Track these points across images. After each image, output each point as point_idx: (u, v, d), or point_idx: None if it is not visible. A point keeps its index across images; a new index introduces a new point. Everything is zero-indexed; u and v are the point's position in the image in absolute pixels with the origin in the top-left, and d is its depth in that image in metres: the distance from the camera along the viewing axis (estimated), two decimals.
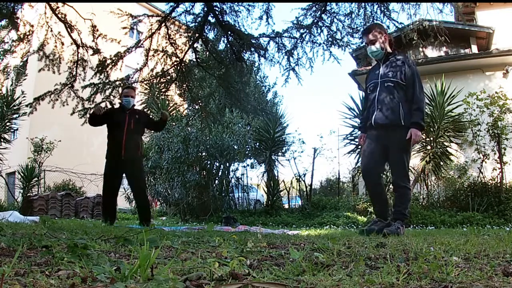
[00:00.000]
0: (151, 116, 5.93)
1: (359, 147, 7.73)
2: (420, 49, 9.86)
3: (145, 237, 1.55)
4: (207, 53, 5.94)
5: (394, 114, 3.20)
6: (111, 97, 5.60)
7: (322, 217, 7.88)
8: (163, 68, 5.78)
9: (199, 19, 5.26)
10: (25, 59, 5.89)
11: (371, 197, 3.49)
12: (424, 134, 7.51)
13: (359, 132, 3.67)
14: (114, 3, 5.99)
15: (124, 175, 4.76)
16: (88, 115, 4.88)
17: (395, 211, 3.30)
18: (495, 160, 6.84)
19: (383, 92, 3.27)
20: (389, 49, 3.37)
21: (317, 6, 4.99)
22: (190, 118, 8.52)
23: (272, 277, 1.06)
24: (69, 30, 5.53)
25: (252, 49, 5.47)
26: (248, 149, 9.28)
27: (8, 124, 8.36)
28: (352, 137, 7.85)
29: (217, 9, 5.10)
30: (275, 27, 5.41)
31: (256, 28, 15.18)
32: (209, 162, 8.80)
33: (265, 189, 9.39)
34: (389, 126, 3.24)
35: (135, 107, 4.95)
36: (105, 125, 4.76)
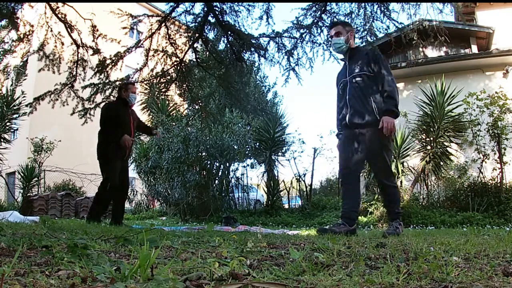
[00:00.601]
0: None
1: None
2: (420, 49, 9.87)
3: (145, 237, 1.55)
4: (207, 53, 5.94)
5: (367, 111, 3.08)
6: (111, 97, 5.60)
7: (322, 217, 7.88)
8: (163, 68, 5.77)
9: (199, 19, 5.26)
10: (25, 59, 5.88)
11: (345, 196, 3.28)
12: (424, 134, 7.51)
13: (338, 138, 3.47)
14: (114, 3, 5.99)
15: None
16: (106, 117, 4.47)
17: (389, 212, 3.24)
18: (495, 160, 6.84)
19: (353, 89, 3.18)
20: (353, 45, 3.32)
21: (317, 6, 4.99)
22: (190, 118, 8.53)
23: (272, 277, 1.06)
24: (69, 30, 5.53)
25: (252, 49, 5.47)
26: (248, 149, 9.28)
27: (8, 124, 8.36)
28: None
29: (217, 9, 5.10)
30: (275, 27, 5.40)
31: (256, 28, 15.19)
32: (209, 162, 8.81)
33: (265, 189, 9.40)
34: (364, 125, 3.12)
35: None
36: (105, 121, 4.52)
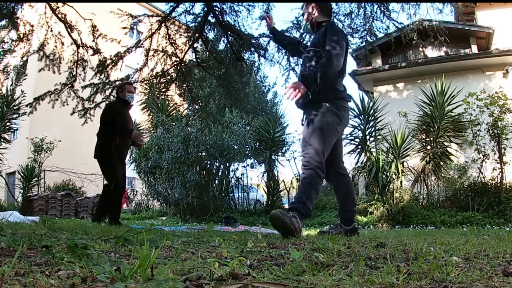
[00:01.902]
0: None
1: (359, 146, 7.73)
2: (420, 49, 9.86)
3: (145, 237, 1.55)
4: (207, 53, 5.94)
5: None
6: (111, 97, 5.61)
7: (322, 217, 7.89)
8: (163, 68, 5.78)
9: (199, 19, 5.26)
10: (25, 59, 5.88)
11: (335, 196, 3.10)
12: (424, 134, 7.51)
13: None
14: (114, 3, 5.99)
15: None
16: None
17: (294, 198, 2.78)
18: (495, 160, 6.84)
19: (302, 64, 2.95)
20: (317, 19, 3.00)
21: None
22: (190, 118, 8.53)
23: (272, 277, 1.06)
24: (69, 30, 5.53)
25: (252, 49, 5.47)
26: (248, 149, 9.29)
27: (8, 124, 8.36)
28: (352, 137, 7.85)
29: (217, 9, 5.10)
30: (275, 27, 5.40)
31: (256, 28, 15.23)
32: (209, 162, 8.81)
33: (265, 189, 9.40)
34: (301, 104, 2.88)
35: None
36: (104, 120, 4.44)
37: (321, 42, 2.79)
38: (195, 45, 5.87)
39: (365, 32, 5.02)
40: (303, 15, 3.10)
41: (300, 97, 2.75)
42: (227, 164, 9.09)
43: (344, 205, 2.97)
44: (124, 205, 11.37)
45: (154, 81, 6.05)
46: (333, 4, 4.98)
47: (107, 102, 5.57)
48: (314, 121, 2.76)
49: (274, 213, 2.54)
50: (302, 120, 2.98)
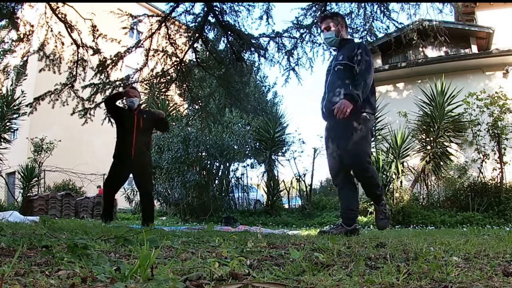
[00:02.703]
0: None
1: None
2: (420, 49, 9.86)
3: (145, 237, 1.55)
4: (207, 53, 5.94)
5: (339, 97, 2.98)
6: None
7: (322, 217, 7.90)
8: (163, 68, 5.78)
9: (199, 19, 5.27)
10: (25, 59, 5.88)
11: (339, 198, 3.27)
12: (424, 134, 7.51)
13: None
14: (114, 3, 5.99)
15: (131, 176, 4.66)
16: (108, 95, 4.56)
17: (372, 199, 3.17)
18: (495, 160, 6.84)
19: (333, 76, 3.13)
20: (345, 36, 3.23)
21: (317, 6, 4.99)
22: (190, 118, 8.52)
23: (272, 277, 1.06)
24: (69, 30, 5.53)
25: (252, 49, 5.47)
26: (248, 149, 9.29)
27: (8, 124, 8.35)
28: None
29: (217, 9, 5.10)
30: (275, 27, 5.41)
31: (256, 28, 15.22)
32: (209, 162, 8.81)
33: (265, 189, 9.40)
34: (329, 115, 3.06)
35: (141, 107, 4.78)
36: (114, 122, 4.69)
37: (353, 58, 3.00)
38: (195, 45, 5.88)
39: (365, 32, 5.02)
40: (326, 28, 3.24)
41: (327, 108, 3.05)
42: (227, 164, 9.08)
43: (348, 205, 3.04)
44: (125, 205, 11.35)
45: (154, 81, 6.05)
46: (333, 4, 5.00)
47: None
48: (351, 130, 2.95)
49: (383, 224, 3.12)
50: (327, 129, 3.21)
